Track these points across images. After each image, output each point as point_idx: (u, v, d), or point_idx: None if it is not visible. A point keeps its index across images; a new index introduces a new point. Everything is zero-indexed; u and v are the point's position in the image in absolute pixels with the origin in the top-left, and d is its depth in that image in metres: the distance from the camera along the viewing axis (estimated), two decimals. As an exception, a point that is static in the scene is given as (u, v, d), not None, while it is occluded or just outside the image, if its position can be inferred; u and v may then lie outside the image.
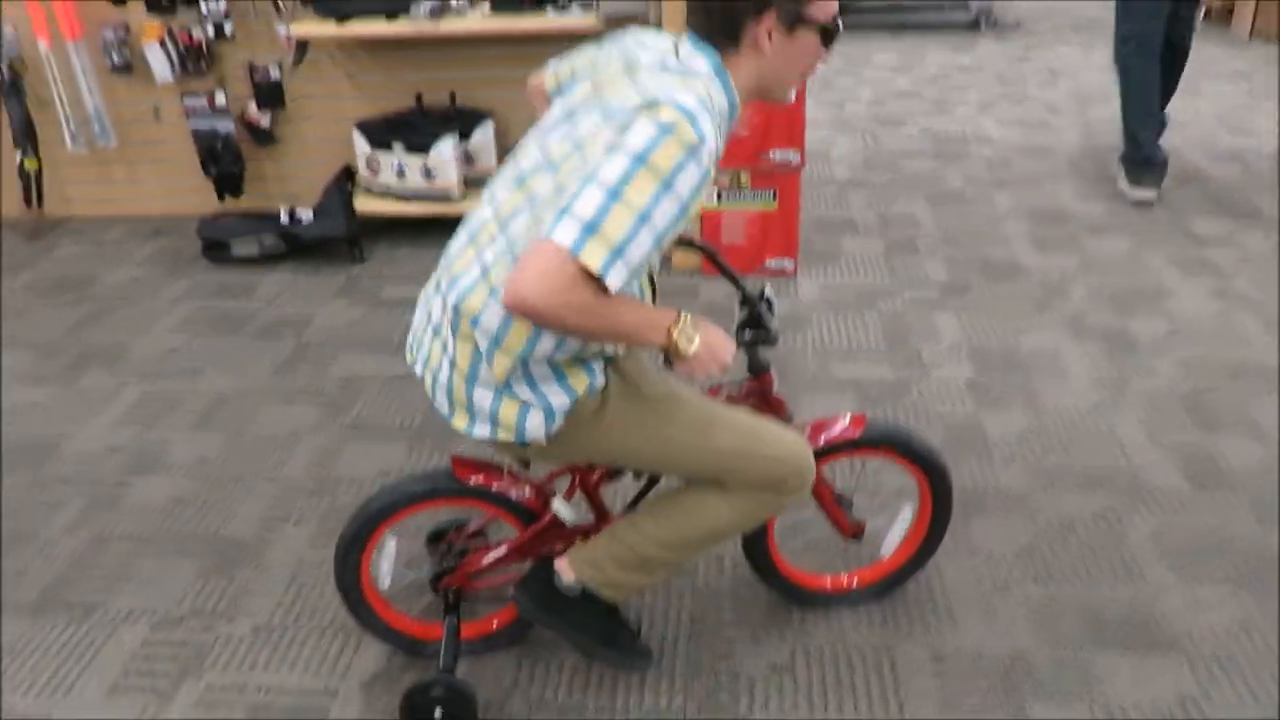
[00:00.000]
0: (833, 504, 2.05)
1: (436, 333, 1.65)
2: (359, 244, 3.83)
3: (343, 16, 3.58)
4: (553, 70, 1.76)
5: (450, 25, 3.53)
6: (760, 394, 1.91)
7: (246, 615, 2.20)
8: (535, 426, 1.62)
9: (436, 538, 2.21)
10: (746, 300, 1.83)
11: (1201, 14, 6.67)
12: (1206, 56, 5.98)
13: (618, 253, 1.35)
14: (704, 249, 1.98)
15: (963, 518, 2.38)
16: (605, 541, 1.82)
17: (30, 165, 4.02)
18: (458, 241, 1.65)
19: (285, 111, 3.96)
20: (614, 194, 1.36)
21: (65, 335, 3.39)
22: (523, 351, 1.55)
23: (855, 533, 2.11)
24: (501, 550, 1.94)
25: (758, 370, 1.90)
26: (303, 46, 3.78)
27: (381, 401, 2.94)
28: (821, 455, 1.94)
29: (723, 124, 1.54)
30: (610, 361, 1.67)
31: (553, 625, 1.86)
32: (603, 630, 1.89)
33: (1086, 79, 5.72)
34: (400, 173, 3.78)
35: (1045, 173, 4.36)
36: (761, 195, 3.45)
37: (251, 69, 3.85)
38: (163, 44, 3.79)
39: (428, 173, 3.75)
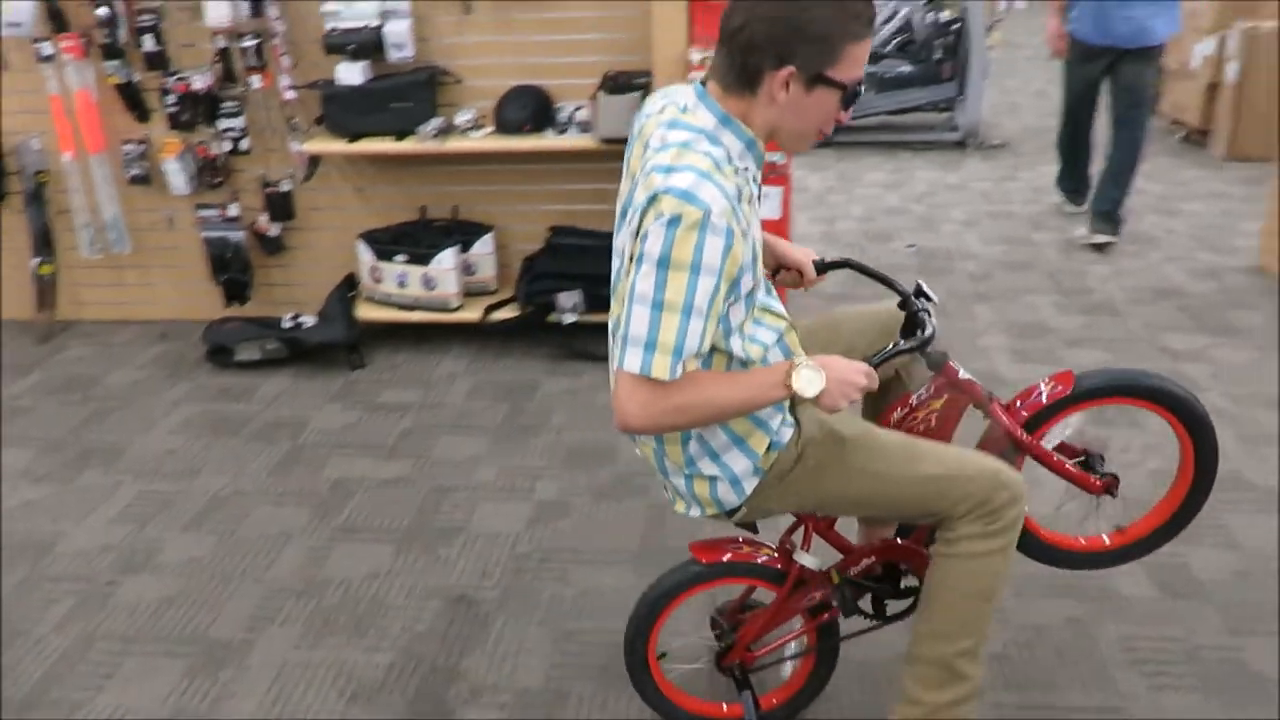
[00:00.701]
0: (1065, 468, 1.99)
1: (639, 444, 1.81)
2: (359, 350, 3.95)
3: (354, 135, 3.77)
4: None
5: (455, 145, 3.72)
6: (951, 384, 1.92)
7: (227, 717, 2.23)
8: (726, 495, 1.76)
9: (716, 621, 2.20)
10: (904, 303, 1.88)
11: (1181, 135, 6.92)
12: (1184, 177, 6.19)
13: (678, 353, 1.49)
14: (843, 263, 2.04)
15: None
16: (907, 679, 1.87)
17: (45, 270, 4.19)
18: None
19: (294, 222, 4.13)
20: (656, 305, 1.48)
21: (68, 434, 3.48)
22: (684, 436, 1.69)
23: (1108, 488, 2.01)
24: (767, 614, 2.02)
25: (937, 365, 1.89)
26: (314, 162, 3.97)
27: (372, 504, 3.01)
28: (1037, 424, 1.96)
29: (747, 162, 1.62)
30: (794, 412, 1.75)
31: None
32: None
33: (1070, 197, 5.91)
34: (402, 282, 3.92)
35: (1026, 286, 4.50)
36: (748, 307, 3.57)
37: (264, 182, 4.03)
38: (180, 158, 3.98)
39: (428, 282, 3.89)
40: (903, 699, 1.88)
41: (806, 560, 1.95)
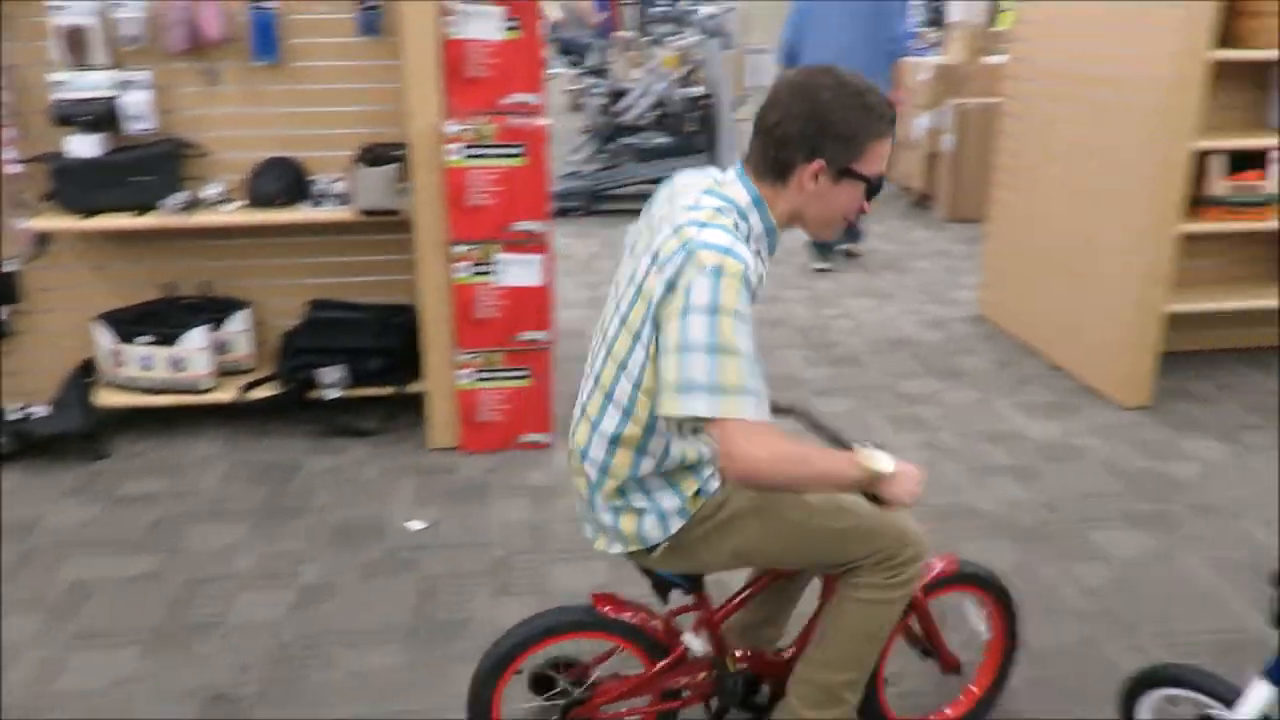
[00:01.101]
0: (939, 636, 2.18)
1: (575, 473, 1.89)
2: (99, 439, 3.68)
3: (89, 211, 3.55)
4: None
5: (204, 219, 3.58)
6: None
7: None
8: (652, 529, 1.82)
9: (538, 679, 2.09)
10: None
11: (910, 199, 7.59)
12: (914, 237, 6.79)
13: (752, 393, 1.60)
14: (794, 411, 2.07)
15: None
16: (793, 695, 1.99)
17: None
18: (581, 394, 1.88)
19: (21, 305, 3.82)
20: (711, 350, 1.59)
21: None
22: (629, 474, 1.79)
23: (954, 667, 2.23)
24: (633, 682, 2.04)
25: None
26: (43, 240, 3.70)
27: (115, 605, 2.80)
28: (929, 591, 2.12)
29: (762, 247, 1.78)
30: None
31: None
32: None
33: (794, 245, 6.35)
34: (147, 364, 3.70)
35: (778, 342, 4.78)
36: (516, 373, 3.61)
37: (-17, 263, 3.72)
38: (-119, 239, 3.62)
39: (176, 363, 3.69)
40: (784, 710, 2.02)
41: (694, 644, 2.01)
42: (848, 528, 1.88)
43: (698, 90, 8.20)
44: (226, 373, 3.83)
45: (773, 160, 1.73)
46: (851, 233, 6.03)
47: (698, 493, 1.83)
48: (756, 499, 1.85)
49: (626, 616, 2.02)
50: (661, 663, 2.03)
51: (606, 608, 2.01)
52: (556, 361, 4.40)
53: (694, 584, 1.98)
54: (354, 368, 3.75)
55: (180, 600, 2.82)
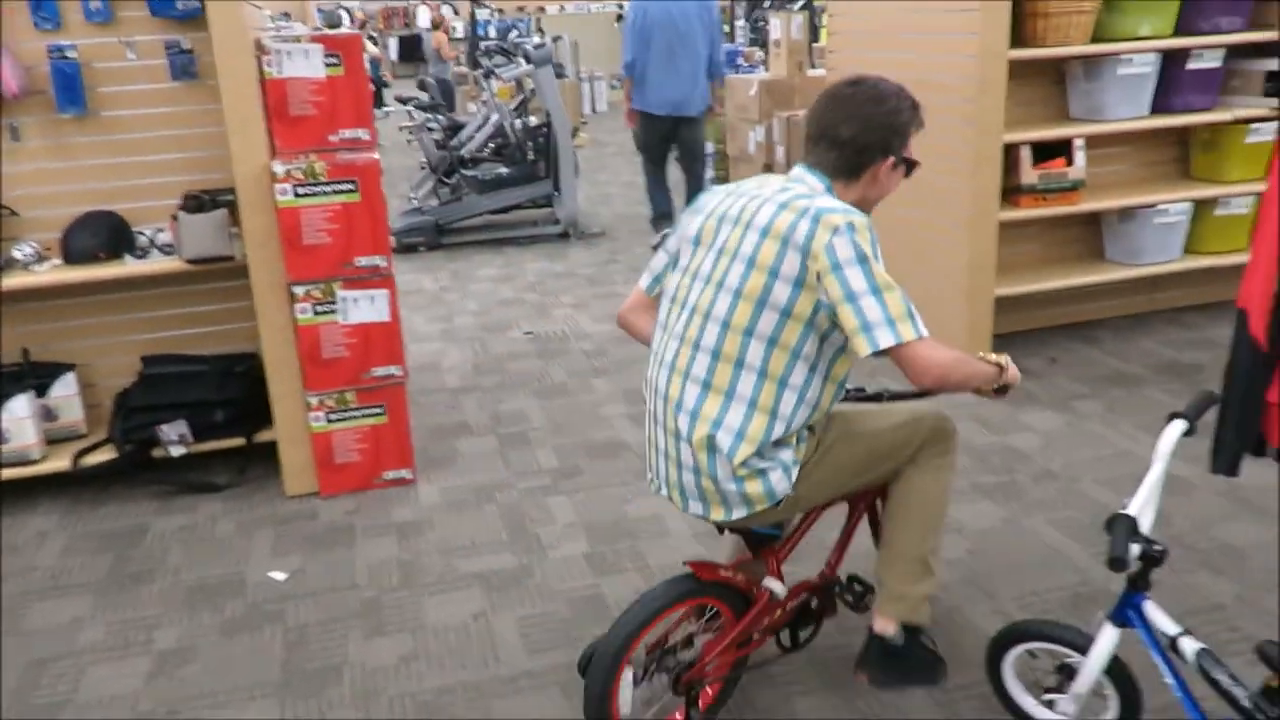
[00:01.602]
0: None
1: (669, 457, 2.08)
2: (-82, 524, 3.40)
3: (-118, 281, 3.30)
4: (648, 277, 2.27)
5: (15, 281, 3.37)
6: None
7: None
8: (780, 483, 2.03)
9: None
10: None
11: (710, 151, 7.81)
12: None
13: (915, 315, 1.91)
14: (877, 394, 2.40)
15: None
16: (891, 582, 2.26)
17: None
18: (662, 379, 2.10)
19: None
20: (875, 291, 1.89)
21: None
22: (764, 438, 1.99)
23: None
24: (731, 635, 2.19)
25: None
26: None
27: (-50, 696, 2.58)
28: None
29: None
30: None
31: (906, 683, 2.28)
32: (928, 665, 2.28)
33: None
34: (-33, 439, 3.45)
35: (635, 357, 4.82)
36: (370, 411, 3.52)
37: None
38: None
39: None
40: (887, 599, 2.26)
41: (777, 587, 2.25)
42: (903, 422, 2.19)
43: (534, 119, 8.25)
44: (57, 440, 3.61)
45: (852, 164, 2.08)
46: (665, 221, 7.03)
47: (798, 440, 2.06)
48: (836, 425, 2.14)
49: (724, 577, 2.18)
50: (753, 611, 2.21)
51: (707, 574, 2.16)
52: (412, 396, 4.34)
53: (782, 531, 2.27)
54: (197, 422, 3.59)
55: (24, 684, 2.62)
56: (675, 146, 6.84)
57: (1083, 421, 3.82)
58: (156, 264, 3.47)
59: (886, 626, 2.26)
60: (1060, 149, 4.28)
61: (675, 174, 7.11)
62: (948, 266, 4.21)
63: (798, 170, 2.12)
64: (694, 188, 6.89)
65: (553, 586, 2.93)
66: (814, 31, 8.89)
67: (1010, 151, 4.16)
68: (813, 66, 7.57)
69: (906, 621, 2.26)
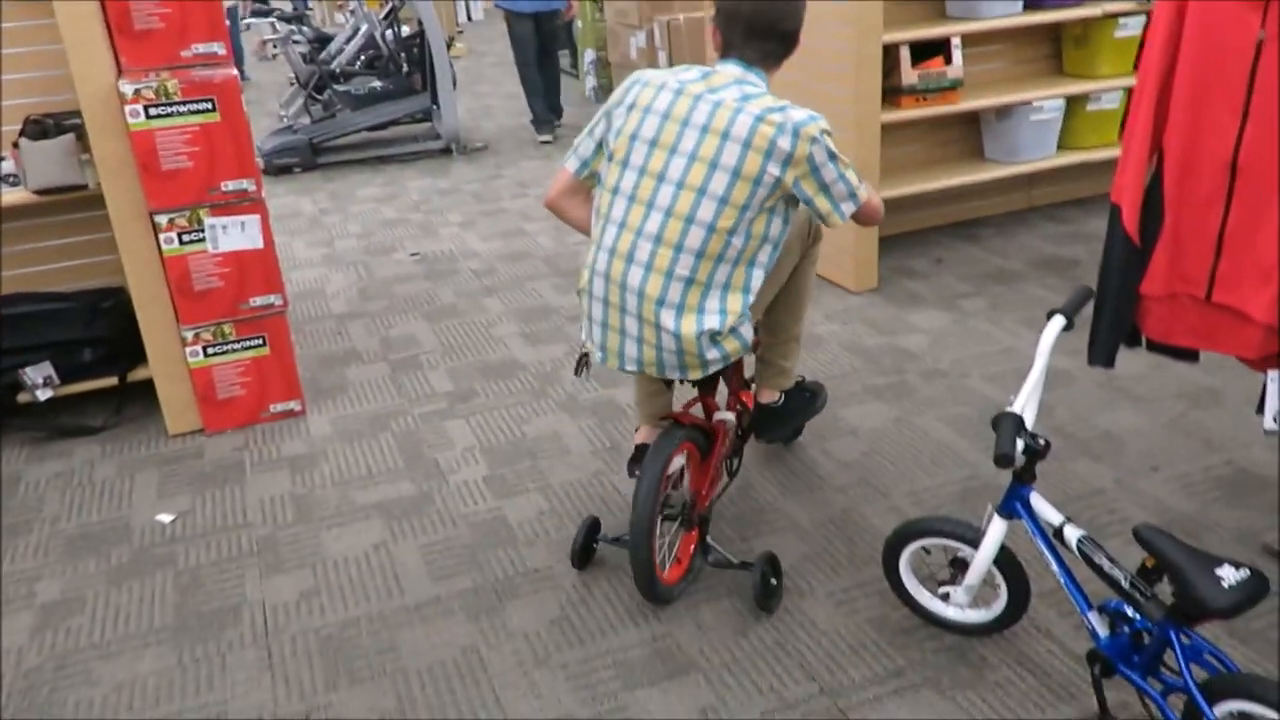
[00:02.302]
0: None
1: (641, 341, 2.27)
2: None
3: None
4: (576, 162, 2.39)
5: None
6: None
7: None
8: (747, 331, 2.30)
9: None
10: None
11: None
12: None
13: (860, 178, 2.28)
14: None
15: (498, 605, 2.48)
16: (776, 360, 2.76)
17: None
18: (634, 276, 2.22)
19: None
20: (842, 176, 2.22)
21: None
22: (739, 314, 2.25)
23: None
24: (709, 469, 2.50)
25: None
26: None
27: None
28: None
29: None
30: None
31: (795, 431, 3.00)
32: (809, 401, 2.87)
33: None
34: None
35: (527, 274, 4.74)
36: (251, 342, 3.38)
37: None
38: None
39: None
40: (772, 375, 2.78)
41: (729, 417, 2.60)
42: (796, 232, 2.54)
43: (406, 29, 7.90)
44: (-91, 391, 3.38)
45: (780, 56, 2.31)
46: (558, 110, 7.65)
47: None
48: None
49: (696, 419, 2.52)
50: (718, 441, 2.51)
51: (685, 419, 2.49)
52: (296, 324, 4.20)
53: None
54: (64, 363, 3.39)
55: (-106, 651, 2.49)
56: (537, 39, 7.24)
57: (968, 319, 3.92)
58: (2, 196, 3.22)
59: (771, 396, 2.80)
60: (937, 48, 4.29)
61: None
62: (834, 170, 4.22)
63: (736, 68, 2.27)
64: (550, 72, 7.43)
65: (454, 511, 2.90)
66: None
67: (889, 53, 4.15)
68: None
69: (784, 389, 2.81)
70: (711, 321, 2.21)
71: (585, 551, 2.59)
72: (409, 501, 2.97)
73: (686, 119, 2.19)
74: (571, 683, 2.23)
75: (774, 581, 2.41)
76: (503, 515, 2.87)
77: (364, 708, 2.21)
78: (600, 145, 2.36)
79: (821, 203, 2.23)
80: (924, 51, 4.27)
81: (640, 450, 2.67)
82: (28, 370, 3.35)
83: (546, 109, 7.45)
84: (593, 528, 2.60)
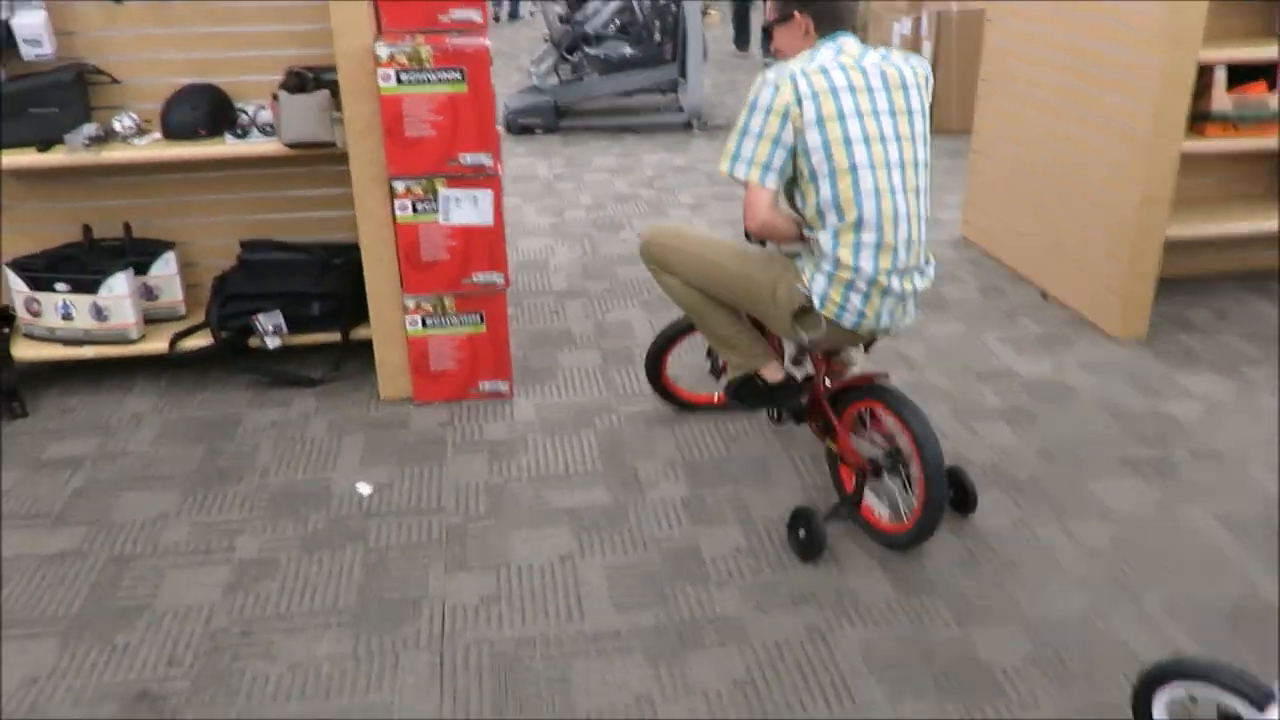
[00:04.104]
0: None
1: (902, 296, 2.54)
2: (19, 397, 3.38)
3: (-18, 147, 3.19)
4: (774, 179, 2.46)
5: (115, 154, 3.23)
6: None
7: None
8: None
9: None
10: None
11: None
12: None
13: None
14: None
15: (680, 651, 2.30)
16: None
17: None
18: (905, 230, 2.47)
19: (-77, 251, 3.48)
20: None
21: None
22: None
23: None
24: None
25: None
26: (-63, 179, 3.35)
27: (31, 589, 2.54)
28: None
29: None
30: None
31: (747, 405, 2.96)
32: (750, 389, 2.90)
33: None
34: (67, 314, 3.39)
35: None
36: (468, 319, 3.32)
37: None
38: None
39: (100, 312, 3.38)
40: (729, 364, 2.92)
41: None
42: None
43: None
44: (155, 320, 3.53)
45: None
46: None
47: None
48: None
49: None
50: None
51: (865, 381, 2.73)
52: (516, 296, 4.15)
53: None
54: (293, 313, 3.45)
55: (104, 582, 2.57)
56: None
57: (1254, 391, 3.39)
58: (256, 145, 3.28)
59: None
60: (1261, 71, 3.70)
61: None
62: (1113, 197, 3.74)
63: (851, 39, 2.50)
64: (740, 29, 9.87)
65: (647, 532, 2.73)
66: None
67: (1202, 72, 3.61)
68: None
69: (734, 375, 2.91)
70: (924, 233, 2.55)
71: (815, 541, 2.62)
72: (602, 512, 2.82)
73: (863, 86, 2.41)
74: (749, 761, 2.02)
75: None
76: (696, 546, 2.67)
77: (527, 742, 2.09)
78: (790, 153, 2.44)
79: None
80: (1243, 74, 3.70)
81: (791, 383, 2.86)
82: (260, 316, 3.43)
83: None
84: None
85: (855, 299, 2.49)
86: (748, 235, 2.70)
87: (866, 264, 2.45)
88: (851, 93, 2.39)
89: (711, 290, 2.75)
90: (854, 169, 2.38)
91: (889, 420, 2.60)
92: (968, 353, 3.71)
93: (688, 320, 2.99)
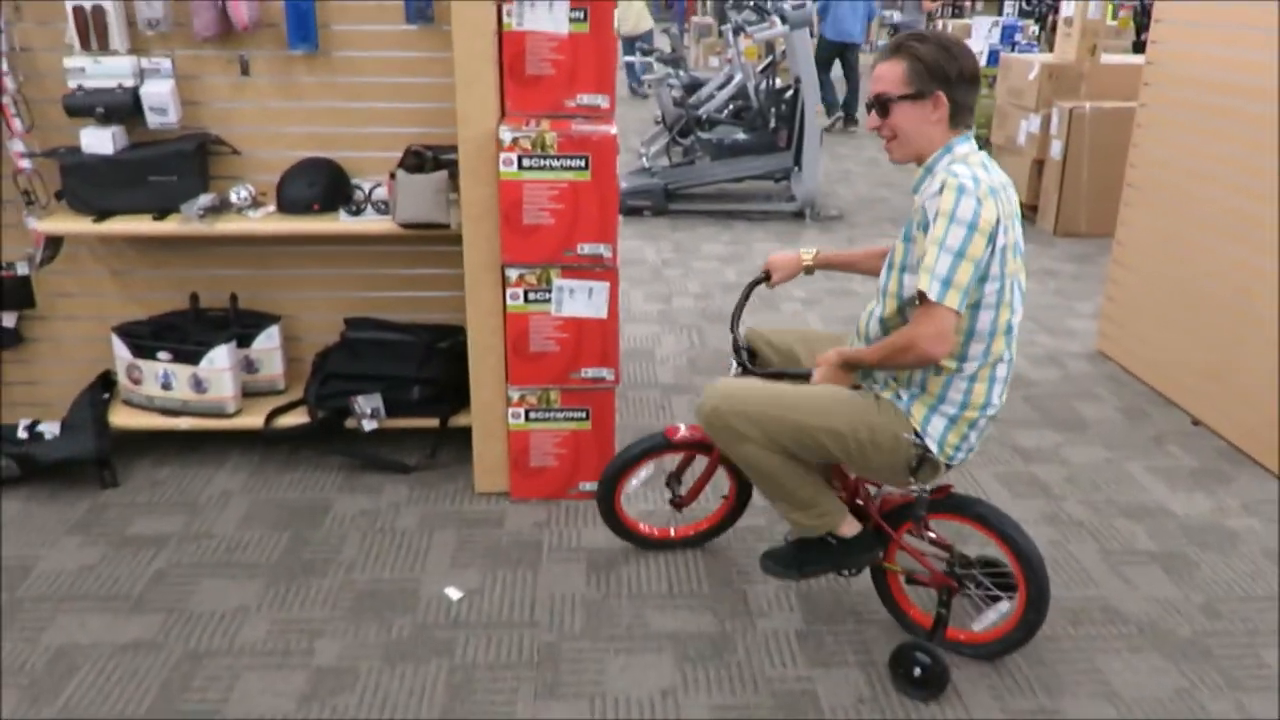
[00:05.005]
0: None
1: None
2: (111, 466, 3.30)
3: (102, 213, 3.17)
4: (961, 299, 2.10)
5: (228, 226, 3.17)
6: None
7: None
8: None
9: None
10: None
11: None
12: (1017, 252, 6.17)
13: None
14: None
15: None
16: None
17: None
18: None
19: (35, 311, 3.46)
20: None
21: None
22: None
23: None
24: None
25: None
26: (54, 243, 3.32)
27: (101, 683, 2.40)
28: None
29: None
30: None
31: (810, 571, 2.54)
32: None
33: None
34: (167, 383, 3.31)
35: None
36: (573, 414, 3.14)
37: (-8, 265, 3.35)
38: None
39: (199, 384, 3.30)
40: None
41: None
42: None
43: (780, 82, 7.66)
44: (253, 394, 3.44)
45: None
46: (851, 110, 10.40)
47: None
48: None
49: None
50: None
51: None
52: (620, 389, 3.96)
53: None
54: (392, 396, 3.32)
55: (175, 680, 2.41)
56: (841, 63, 10.16)
57: None
58: (370, 223, 3.19)
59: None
60: None
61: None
62: (1276, 326, 3.40)
63: (970, 146, 2.24)
64: (850, 80, 10.34)
65: (757, 669, 2.47)
66: (1145, 14, 7.81)
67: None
68: (1107, 52, 6.61)
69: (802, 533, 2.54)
70: None
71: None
72: (708, 641, 2.57)
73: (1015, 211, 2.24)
74: None
75: None
76: (813, 690, 2.40)
77: None
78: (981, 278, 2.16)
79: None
80: None
81: (866, 535, 2.48)
82: (360, 399, 3.31)
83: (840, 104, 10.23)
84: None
85: (973, 436, 2.31)
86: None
87: (998, 398, 2.29)
88: (1017, 217, 2.23)
89: (797, 451, 2.35)
90: (1013, 303, 2.22)
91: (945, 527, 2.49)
92: (1112, 483, 3.38)
93: (652, 441, 2.80)
